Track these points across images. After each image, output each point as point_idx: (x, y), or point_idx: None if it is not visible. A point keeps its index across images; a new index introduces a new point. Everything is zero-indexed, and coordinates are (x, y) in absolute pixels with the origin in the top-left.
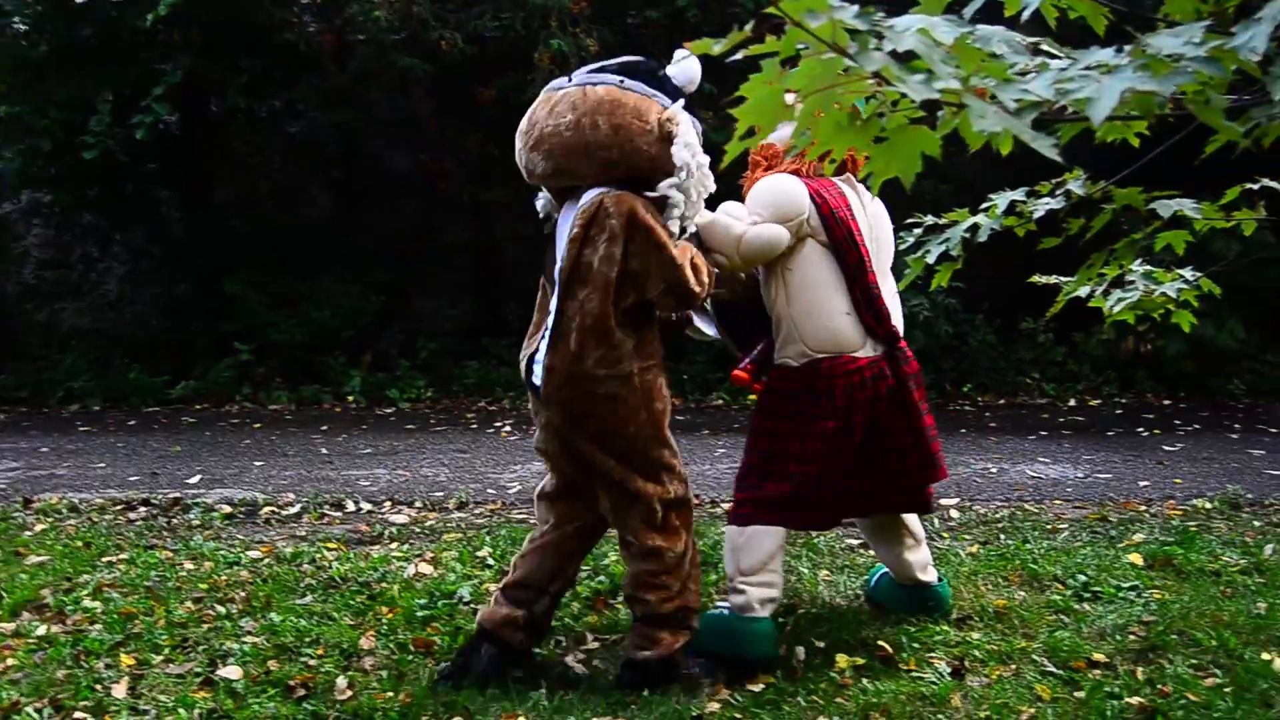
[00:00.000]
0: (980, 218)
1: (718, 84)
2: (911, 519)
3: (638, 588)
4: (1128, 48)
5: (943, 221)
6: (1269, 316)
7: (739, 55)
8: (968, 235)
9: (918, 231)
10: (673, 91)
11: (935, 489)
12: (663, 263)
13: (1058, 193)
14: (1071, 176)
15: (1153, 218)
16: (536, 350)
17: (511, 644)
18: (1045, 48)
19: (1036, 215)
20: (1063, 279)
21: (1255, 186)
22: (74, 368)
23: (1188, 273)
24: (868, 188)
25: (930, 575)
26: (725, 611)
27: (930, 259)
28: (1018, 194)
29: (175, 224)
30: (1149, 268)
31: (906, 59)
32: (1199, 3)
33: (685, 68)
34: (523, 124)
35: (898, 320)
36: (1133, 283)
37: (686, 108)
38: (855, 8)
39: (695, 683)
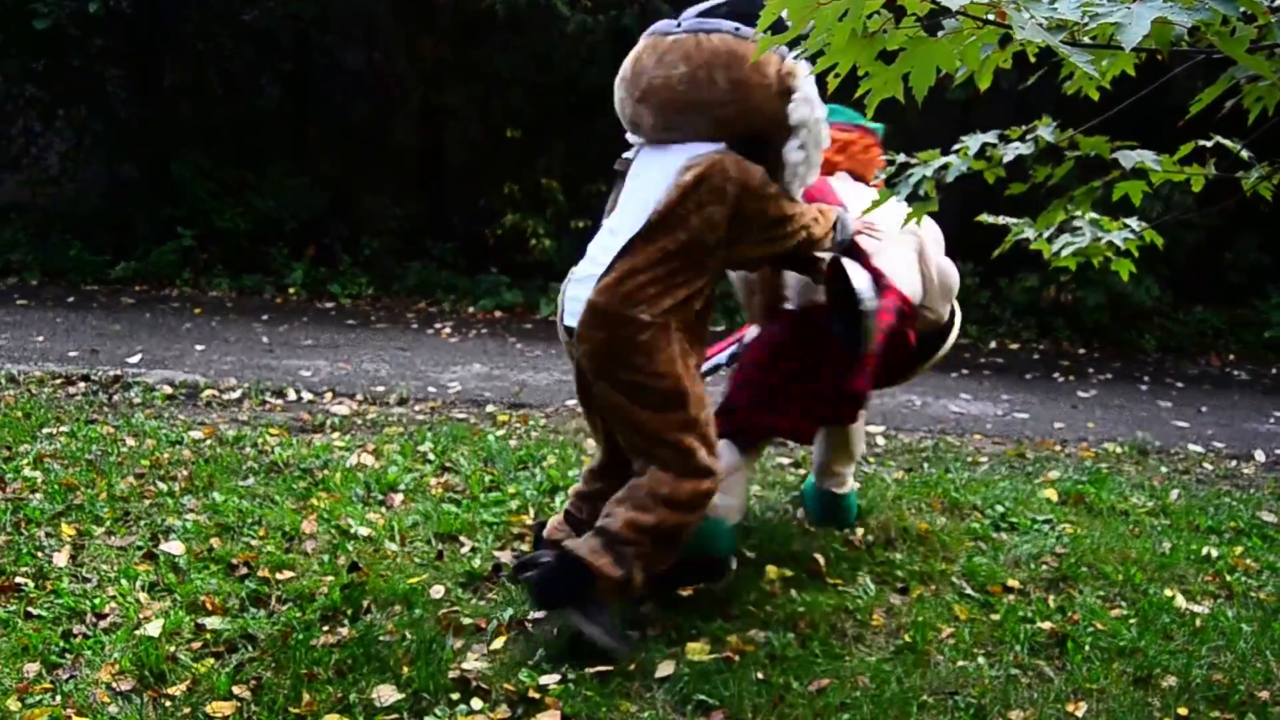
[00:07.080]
0: (951, 158)
1: None
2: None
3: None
4: None
5: (914, 161)
6: (1183, 277)
7: None
8: (935, 176)
9: (890, 168)
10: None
11: None
12: (778, 236)
13: (1028, 138)
14: (1043, 123)
15: (1113, 167)
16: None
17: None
18: None
19: (1006, 160)
20: (1010, 220)
21: (1208, 144)
22: (12, 240)
23: (1133, 223)
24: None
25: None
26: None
27: (900, 196)
28: (989, 136)
29: (122, 104)
30: (1094, 215)
31: None
32: None
33: None
34: (625, 69)
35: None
36: (1079, 229)
37: None
38: None
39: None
